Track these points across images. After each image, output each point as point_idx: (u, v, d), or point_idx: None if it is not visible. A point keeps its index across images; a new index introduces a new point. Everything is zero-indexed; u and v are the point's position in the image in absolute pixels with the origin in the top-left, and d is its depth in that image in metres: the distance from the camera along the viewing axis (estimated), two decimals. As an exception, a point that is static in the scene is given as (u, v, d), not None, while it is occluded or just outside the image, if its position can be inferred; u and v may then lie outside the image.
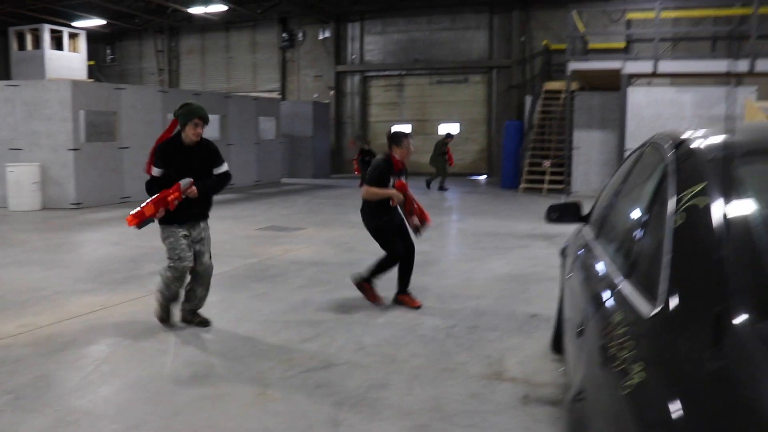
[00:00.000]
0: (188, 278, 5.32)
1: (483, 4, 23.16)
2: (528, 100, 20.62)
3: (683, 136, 2.41)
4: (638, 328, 1.74)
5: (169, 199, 5.00)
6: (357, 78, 25.20)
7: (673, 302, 1.64)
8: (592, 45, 20.06)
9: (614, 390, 1.58)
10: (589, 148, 17.68)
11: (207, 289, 5.47)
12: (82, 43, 23.83)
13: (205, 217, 5.39)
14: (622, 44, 19.89)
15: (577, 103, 17.78)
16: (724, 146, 2.18)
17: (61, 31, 22.99)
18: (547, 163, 18.07)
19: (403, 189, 5.98)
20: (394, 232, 6.09)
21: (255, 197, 16.25)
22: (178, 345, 5.05)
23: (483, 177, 24.07)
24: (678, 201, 1.94)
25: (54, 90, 13.75)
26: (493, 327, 5.50)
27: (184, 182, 5.02)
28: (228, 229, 10.62)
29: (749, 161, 2.15)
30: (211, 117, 5.66)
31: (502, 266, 8.03)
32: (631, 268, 2.15)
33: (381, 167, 6.01)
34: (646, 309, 1.76)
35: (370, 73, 25.23)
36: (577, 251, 3.74)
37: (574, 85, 17.71)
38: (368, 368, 4.52)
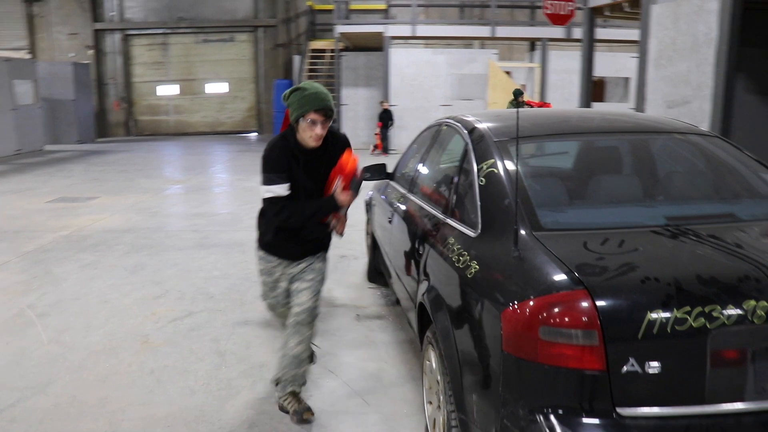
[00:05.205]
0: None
1: (244, -37, 23.61)
2: (296, 59, 21.68)
3: (473, 124, 3.64)
4: (469, 243, 2.92)
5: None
6: (117, 36, 24.41)
7: (486, 228, 2.87)
8: (353, 6, 21.46)
9: (463, 278, 2.76)
10: (356, 105, 19.31)
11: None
12: None
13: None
14: (383, 5, 21.34)
15: (344, 63, 19.21)
16: (501, 133, 3.43)
17: None
18: None
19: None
20: None
21: (25, 168, 15.47)
22: (41, 319, 5.41)
23: (253, 134, 24.88)
24: (479, 170, 3.16)
25: None
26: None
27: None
28: (15, 204, 10.43)
29: (516, 143, 3.40)
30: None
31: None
32: (451, 211, 3.35)
33: None
34: (471, 233, 2.96)
35: (132, 32, 24.59)
36: (391, 202, 4.85)
37: (340, 45, 19.08)
38: (225, 311, 5.38)
